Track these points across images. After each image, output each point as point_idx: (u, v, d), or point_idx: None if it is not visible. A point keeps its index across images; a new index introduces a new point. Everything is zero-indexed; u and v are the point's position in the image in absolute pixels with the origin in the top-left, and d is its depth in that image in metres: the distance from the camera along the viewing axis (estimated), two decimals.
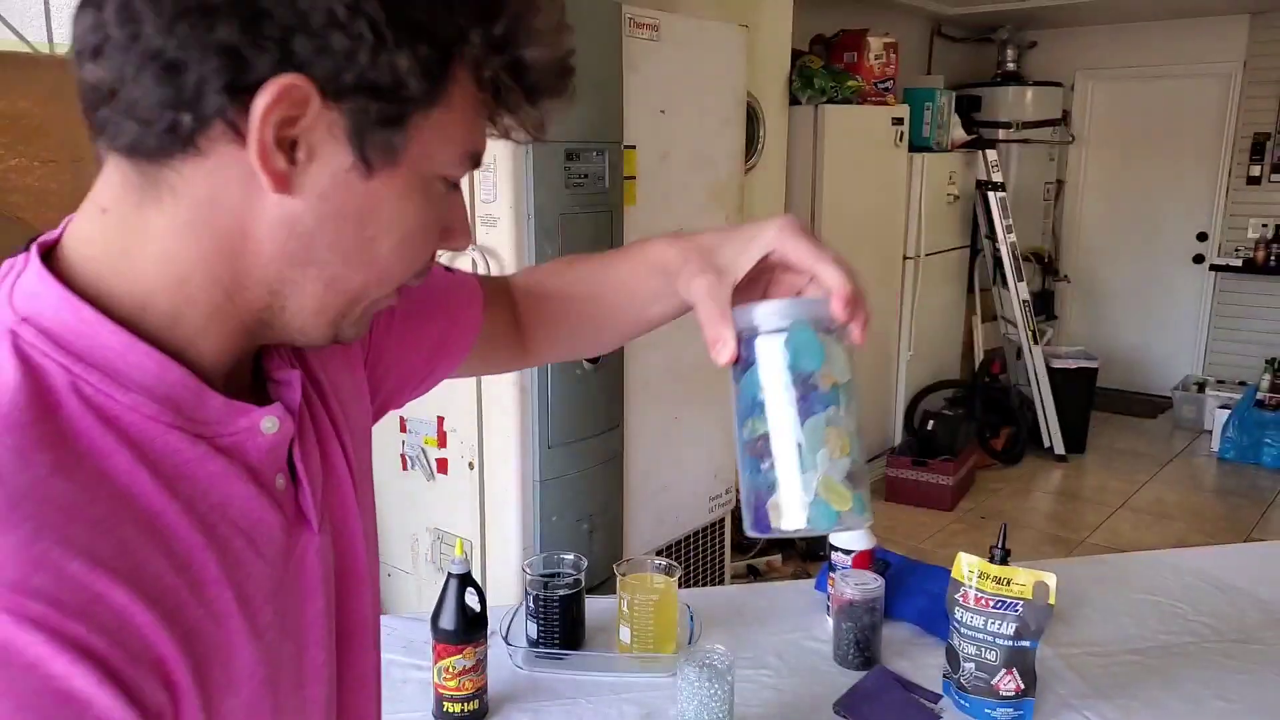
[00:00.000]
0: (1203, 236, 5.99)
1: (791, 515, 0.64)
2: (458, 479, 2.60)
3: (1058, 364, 5.22)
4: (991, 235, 5.23)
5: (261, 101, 0.48)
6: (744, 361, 0.67)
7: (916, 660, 1.49)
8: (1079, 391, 5.28)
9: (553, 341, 0.93)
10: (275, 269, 0.54)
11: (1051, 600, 1.31)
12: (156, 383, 0.52)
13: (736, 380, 0.67)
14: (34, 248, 0.54)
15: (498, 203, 2.32)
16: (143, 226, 0.53)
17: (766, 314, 0.66)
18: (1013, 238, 5.17)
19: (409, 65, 0.50)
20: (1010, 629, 1.32)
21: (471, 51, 0.53)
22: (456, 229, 0.61)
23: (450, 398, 2.54)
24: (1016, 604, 1.32)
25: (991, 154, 5.20)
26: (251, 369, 0.62)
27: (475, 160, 0.58)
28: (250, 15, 0.47)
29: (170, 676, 0.48)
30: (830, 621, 1.52)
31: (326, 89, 0.49)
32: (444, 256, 0.67)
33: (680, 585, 1.54)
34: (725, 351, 0.68)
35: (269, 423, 0.57)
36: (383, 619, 1.50)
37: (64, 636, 0.43)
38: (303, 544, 0.60)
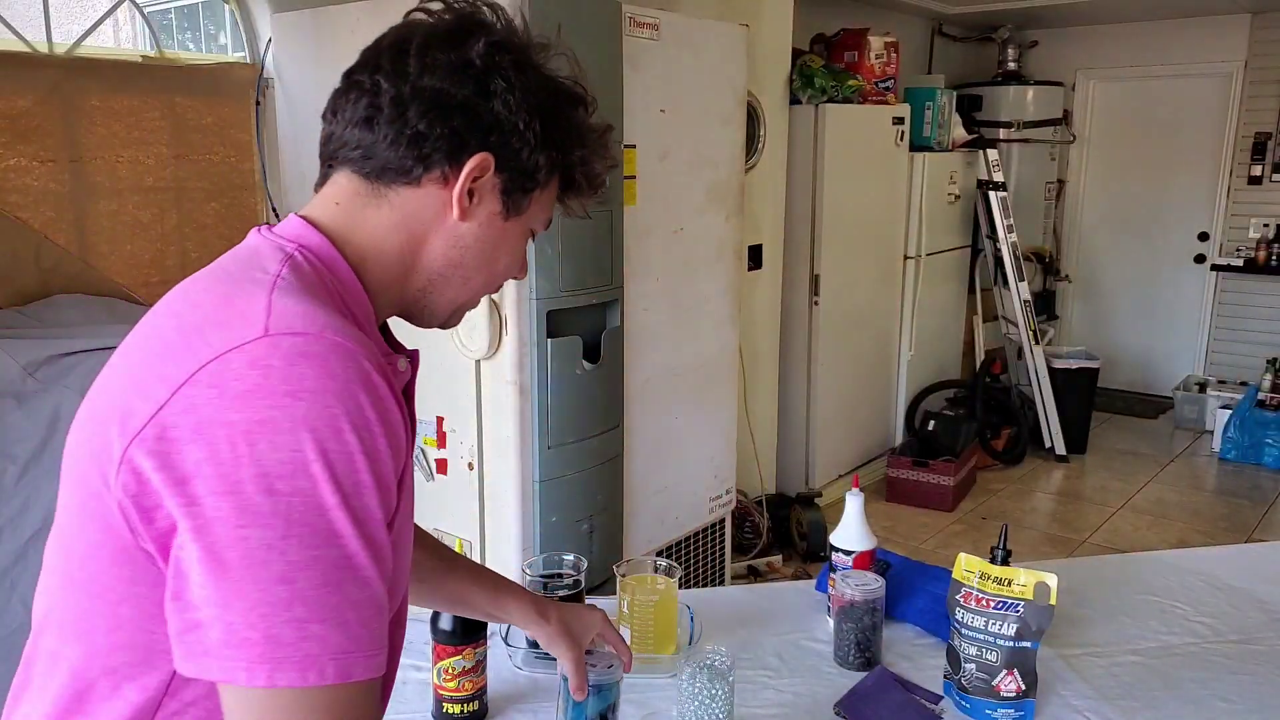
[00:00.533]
0: (1204, 236, 5.98)
1: None
2: (457, 479, 2.59)
3: (1059, 364, 5.22)
4: (992, 235, 5.23)
5: (468, 166, 0.83)
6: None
7: (917, 661, 1.49)
8: (1080, 391, 5.28)
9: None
10: (438, 266, 0.87)
11: (1052, 601, 1.31)
12: (364, 310, 0.83)
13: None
14: (291, 217, 0.85)
15: None
16: (364, 218, 0.84)
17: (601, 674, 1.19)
18: (1014, 237, 5.16)
19: (545, 162, 0.87)
20: (1011, 629, 1.31)
21: (570, 160, 0.89)
22: (524, 264, 0.95)
23: (450, 398, 2.54)
24: (1017, 604, 1.31)
25: (992, 153, 5.20)
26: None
27: (549, 223, 0.94)
28: (469, 112, 0.82)
29: (402, 446, 0.77)
30: (831, 622, 1.52)
31: (500, 164, 0.84)
32: None
33: (680, 586, 1.54)
34: (581, 694, 1.17)
35: (403, 363, 0.88)
36: None
37: (383, 372, 0.73)
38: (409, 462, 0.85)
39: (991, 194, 5.14)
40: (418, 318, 0.91)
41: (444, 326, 0.94)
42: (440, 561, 1.21)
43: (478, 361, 2.47)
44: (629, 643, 1.47)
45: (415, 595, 1.21)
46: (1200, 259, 6.02)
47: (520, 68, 0.84)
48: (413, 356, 0.90)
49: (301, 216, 0.84)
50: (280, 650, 0.65)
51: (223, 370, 0.67)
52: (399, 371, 0.85)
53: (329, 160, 0.86)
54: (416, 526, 1.19)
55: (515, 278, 0.95)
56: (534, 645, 1.51)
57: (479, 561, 2.60)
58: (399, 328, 0.94)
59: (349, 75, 0.84)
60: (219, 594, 0.65)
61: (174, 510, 0.67)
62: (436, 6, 0.86)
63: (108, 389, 0.76)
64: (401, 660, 1.45)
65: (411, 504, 0.88)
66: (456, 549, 2.62)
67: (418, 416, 2.80)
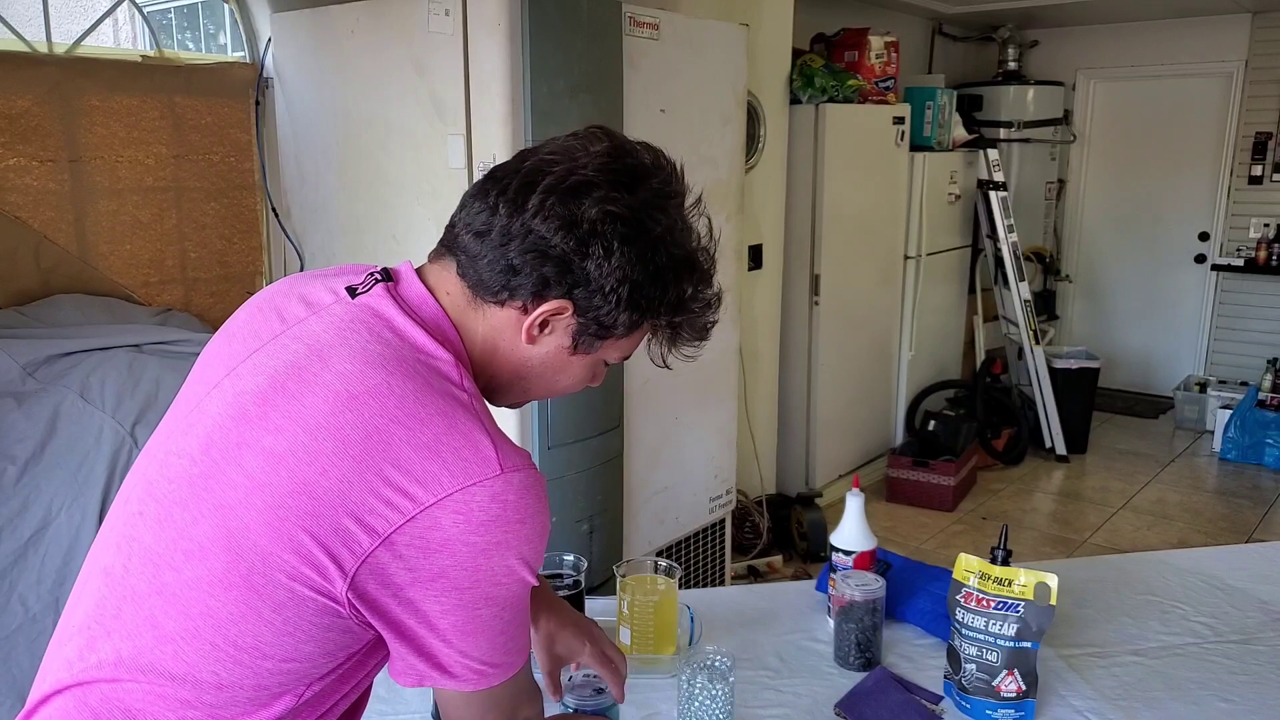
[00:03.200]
0: (1204, 236, 5.98)
1: None
2: None
3: (1059, 364, 5.21)
4: (993, 235, 5.22)
5: (544, 306, 0.91)
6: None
7: (917, 661, 1.49)
8: (1080, 392, 5.28)
9: None
10: (504, 375, 0.98)
11: (1053, 601, 1.30)
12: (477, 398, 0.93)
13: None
14: (404, 267, 0.97)
15: None
16: (468, 320, 0.95)
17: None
18: (1014, 237, 5.16)
19: (625, 320, 0.93)
20: (1011, 630, 1.31)
21: (657, 323, 0.96)
22: (599, 377, 1.04)
23: None
24: (1018, 605, 1.31)
25: (993, 153, 5.19)
26: None
27: (626, 358, 1.02)
28: (563, 264, 0.89)
29: None
30: (831, 622, 1.51)
31: (579, 311, 0.92)
32: None
33: (680, 586, 1.54)
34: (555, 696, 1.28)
35: None
36: None
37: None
38: None
39: (992, 194, 5.13)
40: (488, 399, 1.02)
41: (510, 408, 1.08)
42: None
43: None
44: (629, 644, 1.47)
45: None
46: (1201, 259, 6.02)
47: (628, 239, 0.89)
48: None
49: (433, 296, 0.94)
50: (498, 667, 0.90)
51: (469, 501, 0.83)
52: None
53: (446, 245, 0.96)
54: None
55: (591, 385, 1.05)
56: None
57: None
58: None
59: (486, 180, 0.94)
60: (457, 647, 0.86)
61: (413, 597, 0.84)
62: (598, 139, 0.93)
63: (318, 468, 0.83)
64: None
65: None
66: None
67: None
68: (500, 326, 0.94)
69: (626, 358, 1.02)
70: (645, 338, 0.99)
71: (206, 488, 0.86)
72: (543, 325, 0.93)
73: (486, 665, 0.88)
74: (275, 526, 0.83)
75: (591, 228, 0.88)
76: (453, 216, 0.95)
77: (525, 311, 0.92)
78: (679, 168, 0.97)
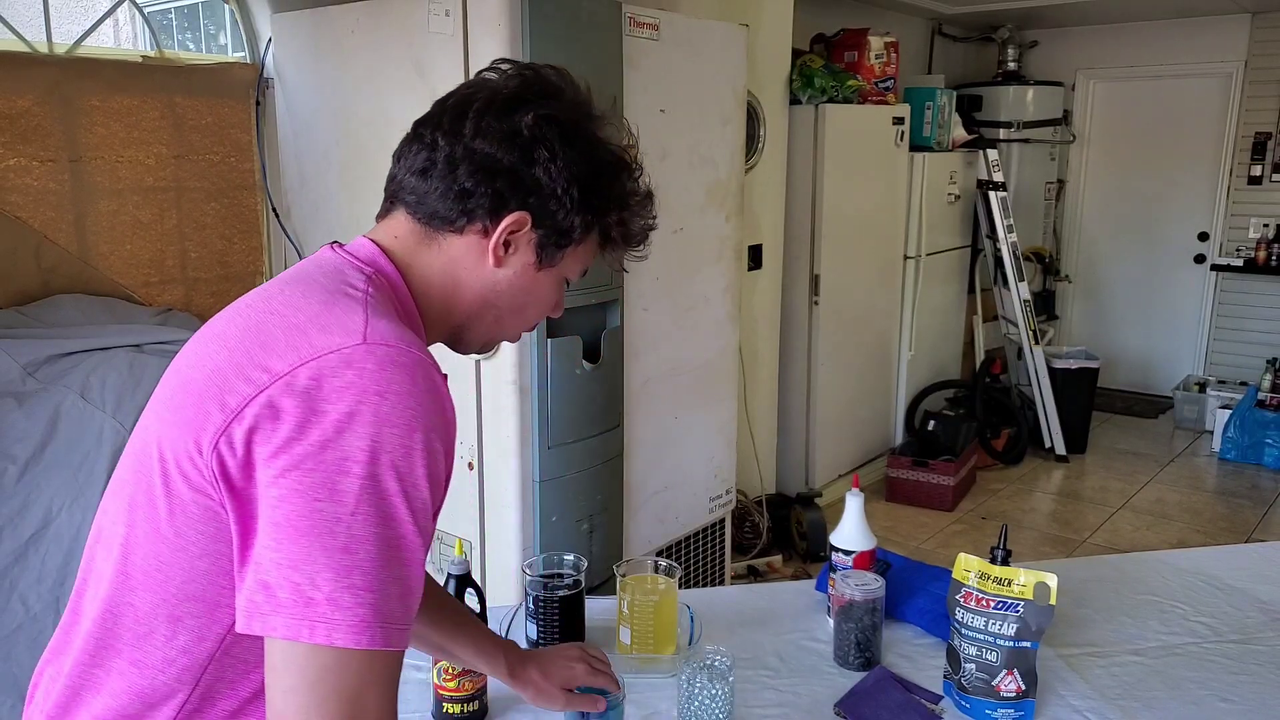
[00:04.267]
0: (1204, 236, 5.98)
1: None
2: (457, 479, 2.59)
3: (1059, 364, 5.22)
4: (992, 235, 5.23)
5: (505, 222, 0.92)
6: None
7: (917, 661, 1.49)
8: (1080, 391, 5.28)
9: None
10: (474, 306, 0.97)
11: (1052, 601, 1.31)
12: (419, 331, 0.93)
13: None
14: (362, 240, 0.95)
15: None
16: (418, 256, 0.95)
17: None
18: (1014, 237, 5.16)
19: (580, 223, 0.94)
20: (1011, 629, 1.31)
21: (608, 221, 0.97)
22: (560, 304, 1.04)
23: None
24: (1017, 604, 1.32)
25: (992, 153, 5.20)
26: None
27: (584, 273, 1.02)
28: (514, 179, 0.91)
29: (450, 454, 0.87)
30: (831, 622, 1.52)
31: (537, 222, 0.93)
32: None
33: (680, 586, 1.54)
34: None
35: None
36: None
37: (445, 385, 0.85)
38: None
39: (991, 194, 5.14)
40: (456, 346, 1.02)
41: (479, 353, 1.07)
42: (429, 616, 1.24)
43: (478, 361, 2.47)
44: (629, 644, 1.47)
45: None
46: (1200, 259, 6.02)
47: (567, 139, 0.92)
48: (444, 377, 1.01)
49: (373, 242, 0.95)
50: (339, 613, 0.75)
51: (322, 367, 0.78)
52: None
53: (391, 197, 0.96)
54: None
55: (552, 316, 1.05)
56: (534, 645, 1.51)
57: (478, 561, 2.60)
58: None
59: (416, 125, 0.95)
60: (290, 556, 0.75)
61: (262, 480, 0.78)
62: (505, 67, 0.96)
63: (204, 367, 0.84)
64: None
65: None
66: (457, 550, 2.63)
67: None
68: (460, 256, 0.94)
69: (584, 273, 1.02)
70: (597, 246, 1.01)
71: (137, 438, 0.91)
72: (507, 245, 0.94)
73: (310, 587, 0.74)
74: (162, 434, 0.85)
75: (532, 135, 0.90)
76: (390, 171, 0.97)
77: (487, 234, 0.93)
78: (585, 84, 1.00)
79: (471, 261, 0.94)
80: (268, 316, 0.85)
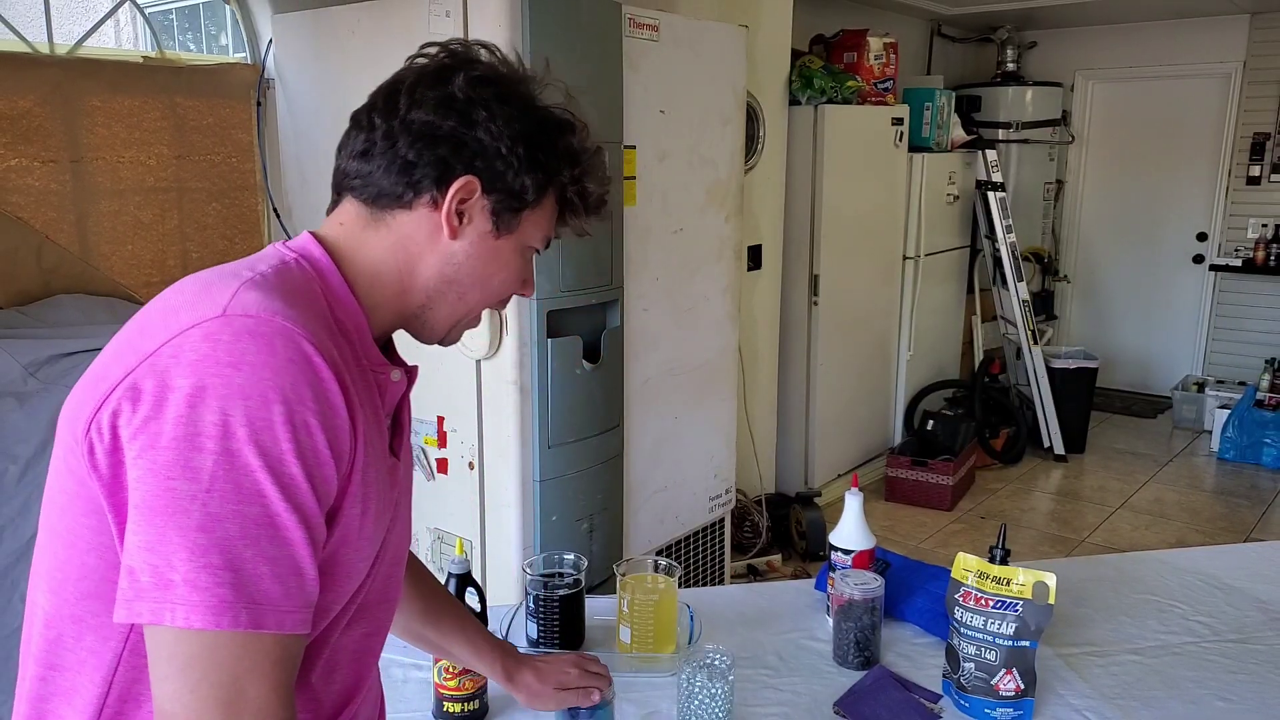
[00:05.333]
0: (1202, 236, 5.99)
1: None
2: (457, 479, 2.60)
3: (1057, 364, 5.22)
4: (991, 235, 5.23)
5: (453, 188, 0.89)
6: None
7: (916, 660, 1.50)
8: (1079, 391, 5.28)
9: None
10: (434, 284, 0.93)
11: (1051, 600, 1.31)
12: (354, 317, 0.89)
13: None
14: (304, 233, 0.92)
15: None
16: (365, 240, 0.91)
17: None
18: (1012, 238, 5.17)
19: (532, 183, 0.92)
20: (1010, 629, 1.32)
21: (561, 181, 0.94)
22: (529, 281, 1.00)
23: (450, 398, 2.55)
24: (1016, 604, 1.32)
25: (991, 154, 5.20)
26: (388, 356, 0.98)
27: (548, 242, 0.99)
28: (456, 143, 0.88)
29: (355, 435, 0.82)
30: (830, 621, 1.52)
31: (487, 186, 0.90)
32: None
33: (680, 585, 1.54)
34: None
35: (396, 374, 0.94)
36: None
37: (324, 356, 0.78)
38: (391, 464, 0.94)
39: (990, 194, 5.14)
40: (419, 333, 0.97)
41: (444, 343, 0.99)
42: (429, 616, 1.25)
43: (478, 361, 2.47)
44: (629, 643, 1.48)
45: (402, 635, 1.27)
46: (1199, 259, 6.02)
47: (503, 98, 0.90)
48: (411, 372, 0.98)
49: (311, 233, 0.92)
50: (196, 594, 0.71)
51: (182, 343, 0.75)
52: (391, 382, 0.93)
53: (337, 190, 0.94)
54: (423, 569, 1.27)
55: (522, 294, 1.00)
56: (534, 644, 1.51)
57: (479, 561, 2.60)
58: (407, 345, 1.00)
59: (353, 116, 0.94)
60: (147, 539, 0.72)
61: (127, 464, 0.75)
62: (432, 50, 0.93)
63: (96, 364, 0.83)
64: (402, 659, 1.46)
65: (390, 503, 0.94)
66: (457, 549, 2.63)
67: (418, 417, 2.79)
68: (412, 233, 0.91)
69: (549, 242, 0.98)
70: (556, 212, 0.98)
71: None
72: (460, 215, 0.91)
73: (168, 569, 0.71)
74: (60, 431, 0.83)
75: (467, 97, 0.88)
76: (335, 165, 0.95)
77: (437, 205, 0.90)
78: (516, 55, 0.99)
79: (424, 237, 0.91)
80: (155, 303, 0.83)
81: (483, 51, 0.94)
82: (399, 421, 0.98)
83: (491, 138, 0.89)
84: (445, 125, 0.88)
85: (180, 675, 0.72)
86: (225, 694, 0.73)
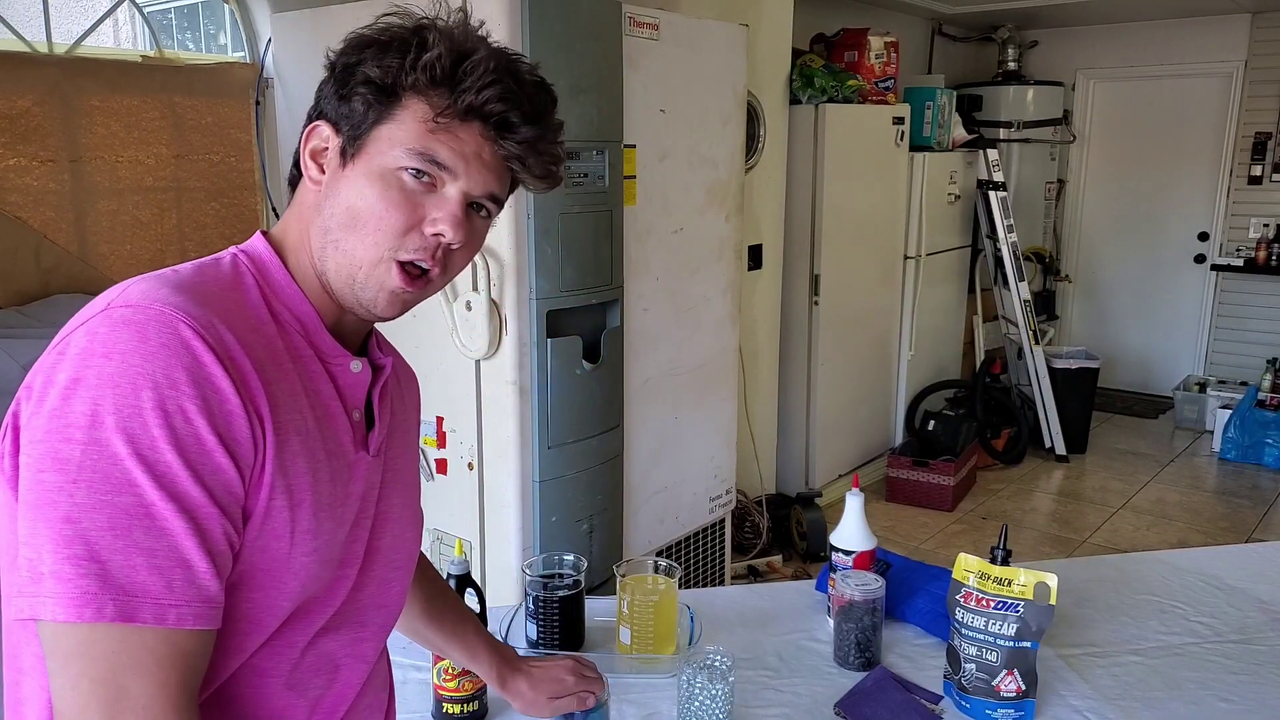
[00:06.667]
0: (1204, 236, 5.98)
1: None
2: (457, 479, 2.59)
3: (1059, 364, 5.22)
4: (992, 235, 5.22)
5: (302, 136, 0.89)
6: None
7: (917, 661, 1.49)
8: (1080, 391, 5.28)
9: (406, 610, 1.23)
10: (317, 240, 0.87)
11: (1052, 601, 1.31)
12: (297, 307, 0.87)
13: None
14: (257, 231, 0.91)
15: None
16: (288, 224, 0.90)
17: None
18: (1014, 237, 5.16)
19: (360, 97, 0.84)
20: (1011, 630, 1.31)
21: (414, 86, 0.83)
22: (440, 219, 0.85)
23: (450, 398, 2.54)
24: (1017, 605, 1.31)
25: (992, 153, 5.20)
26: (364, 350, 0.95)
27: (434, 161, 0.84)
28: (315, 100, 0.89)
29: (264, 423, 0.78)
30: (831, 622, 1.52)
31: (333, 126, 0.87)
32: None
33: (680, 586, 1.54)
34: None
35: (356, 364, 0.90)
36: None
37: (206, 340, 0.75)
38: (357, 458, 0.90)
39: (991, 194, 5.14)
40: (355, 309, 0.88)
41: (379, 312, 0.88)
42: (430, 615, 1.25)
43: (478, 361, 2.47)
44: (629, 644, 1.47)
45: (402, 631, 1.26)
46: (1200, 259, 6.02)
47: (352, 46, 0.87)
48: (383, 365, 0.95)
49: (263, 230, 0.92)
50: (61, 585, 0.69)
51: (70, 341, 0.75)
52: (351, 373, 0.90)
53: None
54: (429, 567, 1.26)
55: (441, 236, 0.85)
56: (534, 645, 1.51)
57: (478, 562, 2.60)
58: (408, 342, 0.98)
59: None
60: (25, 533, 0.71)
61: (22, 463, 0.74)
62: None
63: None
64: (401, 660, 1.45)
65: (351, 500, 0.89)
66: (456, 550, 2.63)
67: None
68: (302, 196, 0.90)
69: (424, 156, 0.83)
70: (433, 121, 0.84)
71: None
72: (319, 163, 0.88)
73: (39, 562, 0.70)
74: None
75: (334, 57, 0.89)
76: None
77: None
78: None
79: (310, 200, 0.88)
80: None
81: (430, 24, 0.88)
82: (378, 416, 0.93)
83: (330, 80, 0.88)
84: (319, 92, 0.89)
85: (62, 670, 0.71)
86: (106, 690, 0.71)
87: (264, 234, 0.91)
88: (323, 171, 0.87)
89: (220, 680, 0.82)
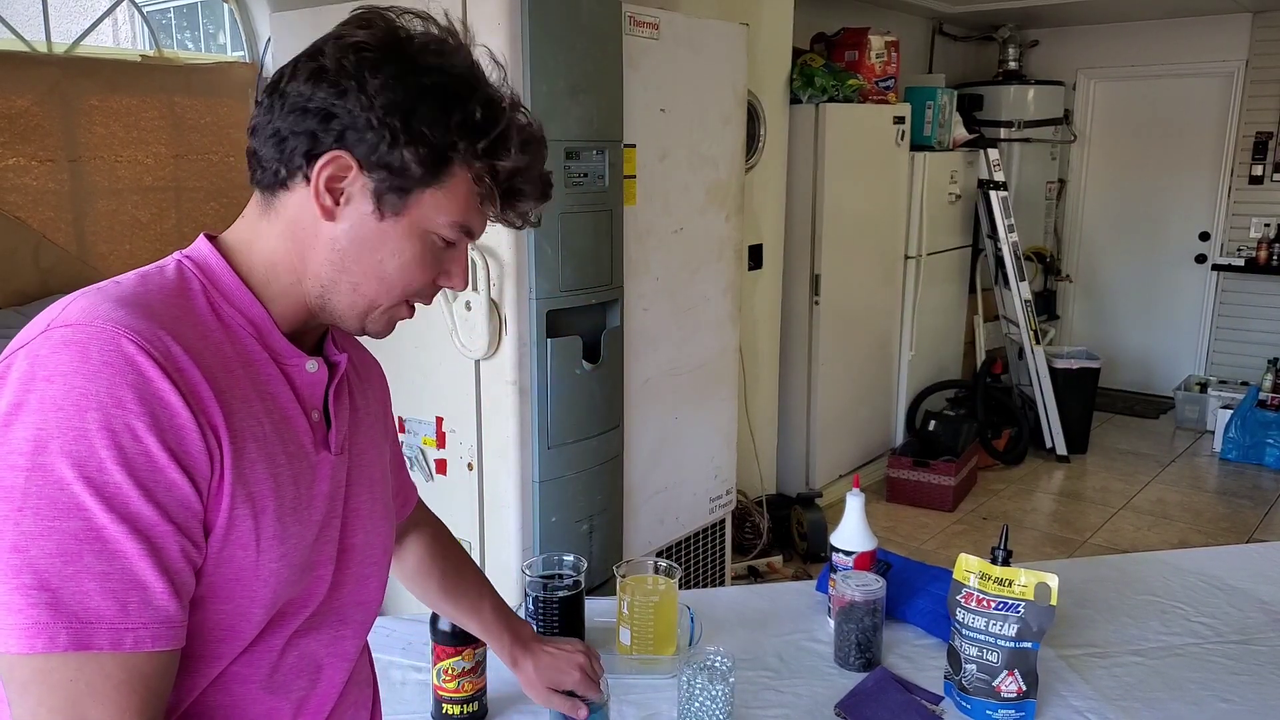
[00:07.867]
0: (1205, 236, 5.98)
1: None
2: (457, 480, 2.59)
3: (1060, 364, 5.21)
4: (993, 234, 5.22)
5: (320, 162, 0.82)
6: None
7: (918, 661, 1.49)
8: (1081, 391, 5.27)
9: (410, 578, 1.28)
10: (325, 271, 0.86)
11: (1053, 601, 1.30)
12: (249, 310, 0.85)
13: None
14: (200, 235, 0.88)
15: None
16: (260, 229, 0.87)
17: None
18: (1014, 237, 5.16)
19: (415, 158, 0.81)
20: (1012, 630, 1.31)
21: (464, 157, 0.83)
22: (454, 274, 0.90)
23: (450, 398, 2.54)
24: (1018, 605, 1.31)
25: (993, 153, 5.19)
26: (320, 347, 0.94)
27: (467, 232, 0.88)
28: (325, 115, 0.81)
29: (218, 434, 0.76)
30: (831, 623, 1.51)
31: (365, 164, 0.82)
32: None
33: (680, 586, 1.53)
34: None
35: (311, 364, 0.88)
36: (381, 621, 1.50)
37: (152, 355, 0.73)
38: (320, 459, 0.89)
39: (992, 193, 5.13)
40: (333, 323, 0.90)
41: (371, 335, 0.92)
42: (446, 591, 1.27)
43: (477, 361, 2.47)
44: (629, 644, 1.47)
45: (423, 602, 1.29)
46: (1201, 259, 6.02)
47: (376, 64, 0.81)
48: (337, 362, 0.93)
49: (206, 234, 0.88)
50: (10, 617, 0.68)
51: (9, 364, 0.73)
52: (306, 373, 0.88)
53: (250, 179, 0.89)
54: (449, 540, 1.28)
55: (449, 286, 0.91)
56: None
57: (478, 562, 2.59)
58: (395, 341, 0.97)
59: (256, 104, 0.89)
60: None
61: None
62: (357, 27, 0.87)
63: None
64: (401, 661, 1.45)
65: (318, 501, 0.88)
66: None
67: (416, 417, 2.78)
68: (296, 215, 0.85)
69: (469, 230, 0.87)
70: (475, 195, 0.86)
71: None
72: (335, 194, 0.83)
73: None
74: None
75: (338, 66, 0.81)
76: None
77: (311, 184, 0.84)
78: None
79: (310, 220, 0.84)
80: None
81: (370, 11, 0.85)
82: (334, 414, 0.91)
83: (363, 108, 0.80)
84: (316, 97, 0.81)
85: (20, 700, 0.69)
86: (65, 719, 0.69)
87: (208, 237, 0.87)
88: (337, 204, 0.83)
89: (199, 690, 0.82)
